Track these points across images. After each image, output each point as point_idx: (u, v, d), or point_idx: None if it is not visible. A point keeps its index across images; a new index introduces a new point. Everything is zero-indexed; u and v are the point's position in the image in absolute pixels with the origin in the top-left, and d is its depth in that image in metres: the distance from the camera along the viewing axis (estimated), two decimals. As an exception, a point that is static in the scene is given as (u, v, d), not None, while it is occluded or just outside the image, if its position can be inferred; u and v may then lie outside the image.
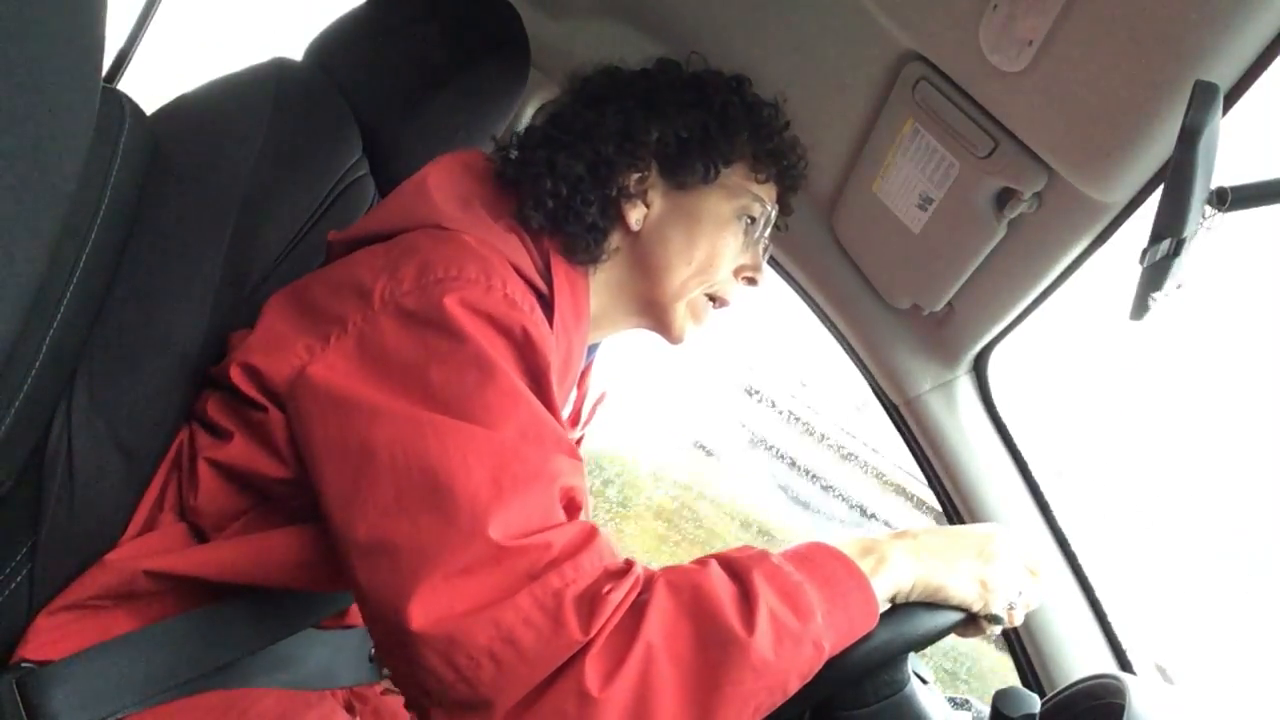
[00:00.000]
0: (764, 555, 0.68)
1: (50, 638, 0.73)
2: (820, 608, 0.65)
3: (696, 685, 0.61)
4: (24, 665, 0.72)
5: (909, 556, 0.72)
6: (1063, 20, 0.72)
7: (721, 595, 0.63)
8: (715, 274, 0.93)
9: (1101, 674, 0.88)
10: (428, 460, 0.64)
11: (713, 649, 0.61)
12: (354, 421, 0.67)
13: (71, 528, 0.75)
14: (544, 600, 0.60)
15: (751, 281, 0.98)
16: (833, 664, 0.68)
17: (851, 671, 0.69)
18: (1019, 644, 1.17)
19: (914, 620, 0.73)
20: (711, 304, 0.97)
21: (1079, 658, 1.13)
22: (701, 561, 0.68)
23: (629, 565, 0.66)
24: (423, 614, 0.59)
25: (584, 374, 1.01)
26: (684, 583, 0.65)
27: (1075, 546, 1.16)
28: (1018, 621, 0.77)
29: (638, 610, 0.62)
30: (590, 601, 0.61)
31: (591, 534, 0.66)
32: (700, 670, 0.61)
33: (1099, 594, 1.14)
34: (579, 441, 1.08)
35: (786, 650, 0.63)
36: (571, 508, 0.69)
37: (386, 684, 0.95)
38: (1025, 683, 1.16)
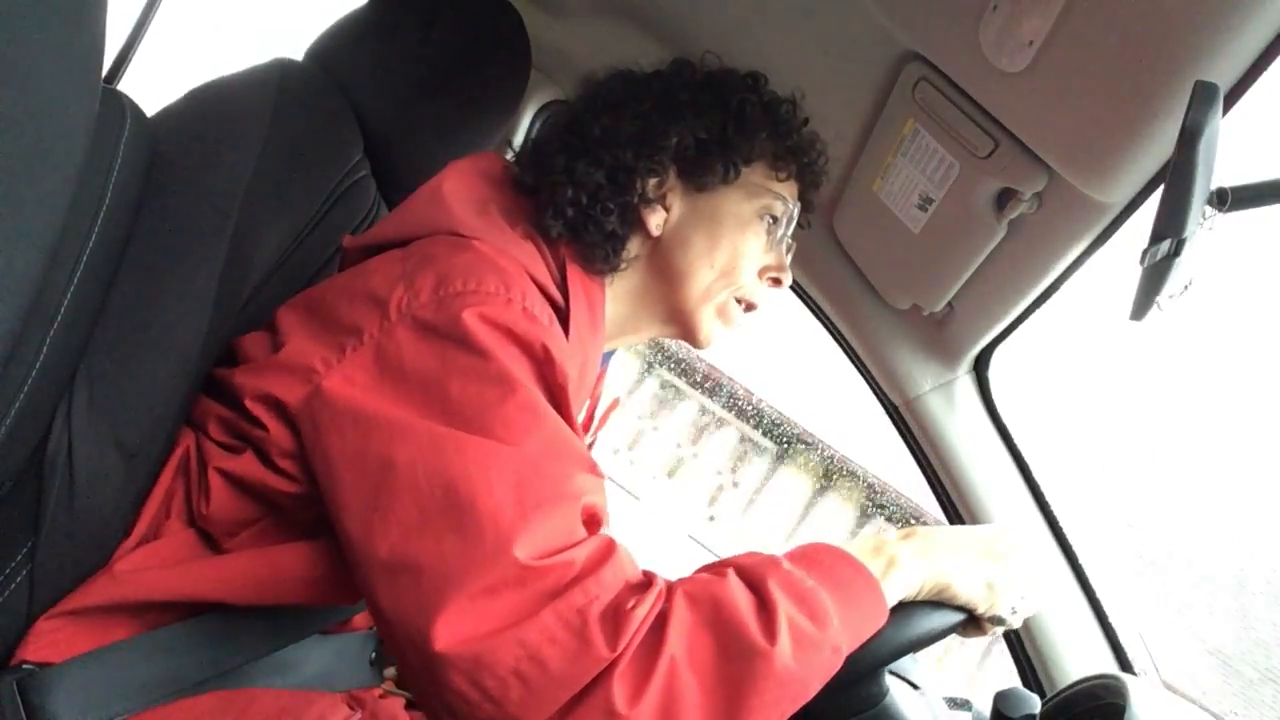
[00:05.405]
0: (775, 561, 0.68)
1: (51, 640, 0.73)
2: (835, 611, 0.65)
3: (722, 697, 0.61)
4: (25, 667, 0.72)
5: (917, 557, 0.72)
6: (1063, 21, 0.72)
7: (741, 606, 0.63)
8: (739, 276, 0.91)
9: (1101, 674, 0.88)
10: (449, 477, 0.63)
11: (736, 660, 0.61)
12: (373, 437, 0.67)
13: (72, 529, 0.75)
14: (568, 618, 0.60)
15: (777, 282, 0.96)
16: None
17: (857, 668, 0.69)
18: (1019, 644, 1.17)
19: (917, 620, 0.73)
20: (739, 307, 0.95)
21: (1079, 658, 1.13)
22: (718, 570, 0.67)
23: (650, 578, 0.65)
24: (447, 635, 0.59)
25: (597, 380, 1.01)
26: (703, 595, 0.64)
27: (1076, 546, 1.16)
28: (1017, 624, 0.77)
29: (660, 624, 0.62)
30: (615, 617, 0.61)
31: (611, 548, 0.65)
32: (725, 682, 0.61)
33: (1099, 594, 1.14)
34: (590, 447, 1.07)
35: (807, 657, 0.63)
36: (593, 524, 0.69)
37: (387, 686, 0.95)
38: (1025, 683, 1.16)
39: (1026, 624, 1.15)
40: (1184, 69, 0.66)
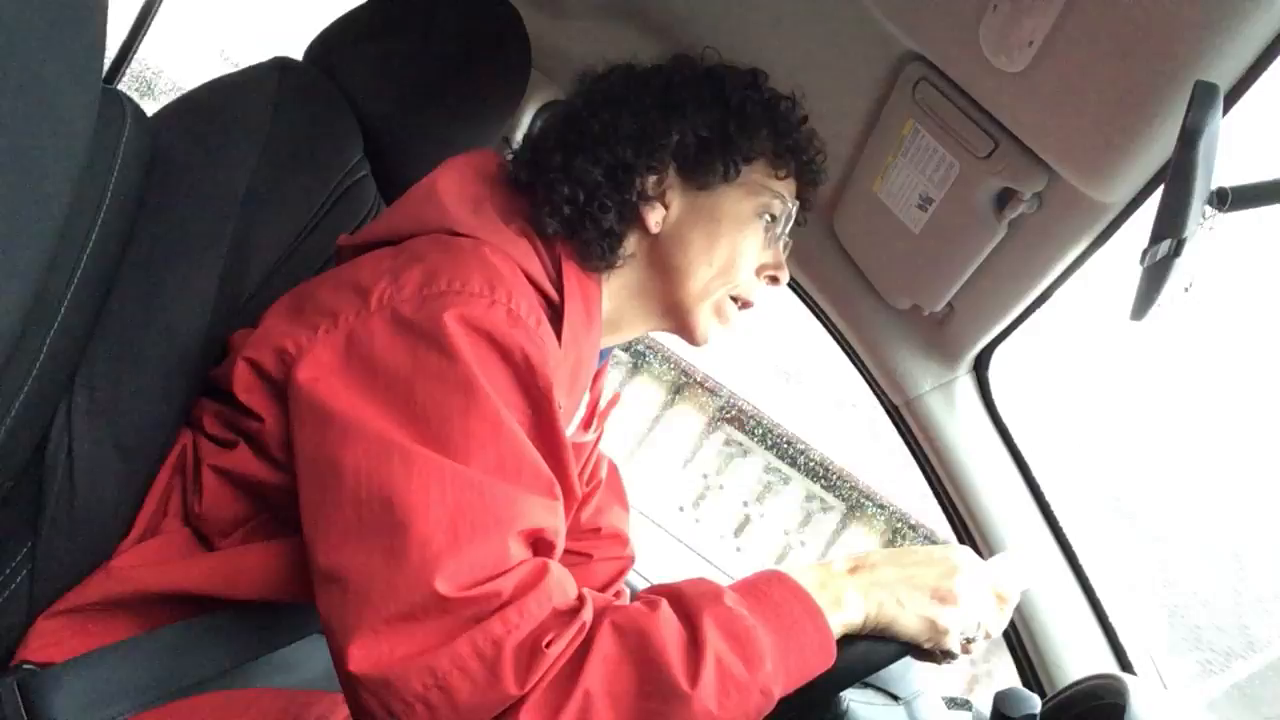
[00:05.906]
0: (718, 595, 0.66)
1: (51, 640, 0.73)
2: (771, 653, 0.64)
3: None
4: (25, 667, 0.72)
5: (861, 596, 0.71)
6: (1063, 20, 0.72)
7: (668, 643, 0.62)
8: (737, 275, 0.90)
9: (1101, 674, 0.88)
10: (390, 490, 0.63)
11: (654, 699, 0.60)
12: (328, 435, 0.67)
13: (72, 528, 0.75)
14: (483, 648, 0.59)
15: (774, 280, 0.95)
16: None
17: (796, 701, 0.67)
18: (1019, 644, 1.17)
19: (859, 653, 0.71)
20: (735, 305, 0.94)
21: (1079, 658, 1.13)
22: (651, 603, 0.66)
23: (579, 604, 0.64)
24: (361, 657, 0.59)
25: (596, 376, 1.00)
26: (631, 627, 0.63)
27: (1076, 546, 1.16)
28: (972, 653, 0.75)
29: (580, 655, 0.61)
30: (530, 651, 0.60)
31: (540, 575, 0.64)
32: (642, 718, 0.60)
33: (1099, 594, 1.14)
34: (597, 441, 1.07)
35: (731, 700, 0.62)
36: (540, 547, 0.68)
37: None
38: (1025, 683, 1.16)
39: (1027, 624, 1.15)
40: (1184, 69, 0.66)
